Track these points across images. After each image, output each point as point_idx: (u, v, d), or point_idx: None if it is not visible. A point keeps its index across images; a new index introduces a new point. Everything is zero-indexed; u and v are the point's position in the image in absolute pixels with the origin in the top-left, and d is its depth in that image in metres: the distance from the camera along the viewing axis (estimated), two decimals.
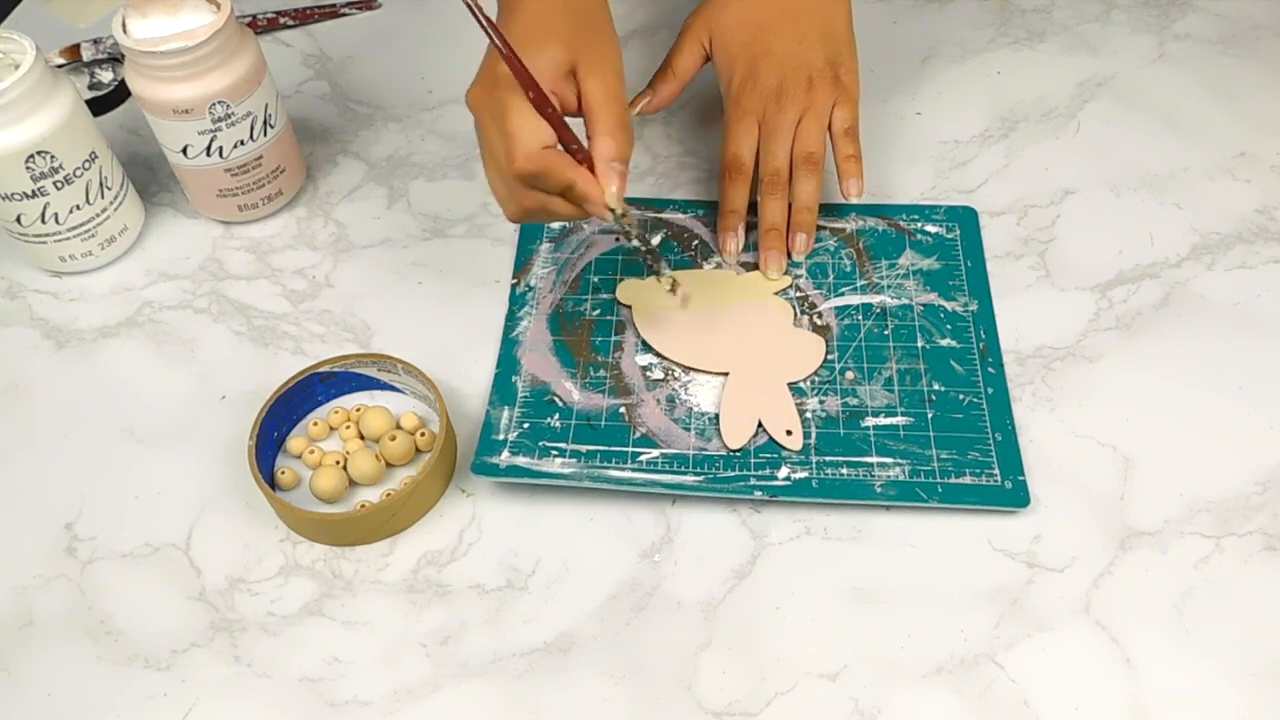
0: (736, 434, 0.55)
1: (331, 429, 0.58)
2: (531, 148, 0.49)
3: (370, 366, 0.58)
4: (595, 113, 0.51)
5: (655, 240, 0.65)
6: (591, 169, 0.51)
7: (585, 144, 0.52)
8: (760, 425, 0.56)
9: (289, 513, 0.53)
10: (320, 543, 0.54)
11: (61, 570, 0.54)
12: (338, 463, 0.56)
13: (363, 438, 0.57)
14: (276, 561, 0.54)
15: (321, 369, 0.57)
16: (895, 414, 0.56)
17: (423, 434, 0.56)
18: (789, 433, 0.55)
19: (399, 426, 0.57)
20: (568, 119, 0.52)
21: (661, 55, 0.66)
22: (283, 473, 0.56)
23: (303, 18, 0.82)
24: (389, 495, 0.54)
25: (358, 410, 0.58)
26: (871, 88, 0.70)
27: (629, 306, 0.61)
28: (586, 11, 0.53)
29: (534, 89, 0.49)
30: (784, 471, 0.54)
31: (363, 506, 0.53)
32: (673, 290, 0.57)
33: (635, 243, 0.55)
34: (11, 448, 0.59)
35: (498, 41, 0.49)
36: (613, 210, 0.51)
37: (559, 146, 0.51)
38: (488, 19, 0.49)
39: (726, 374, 0.58)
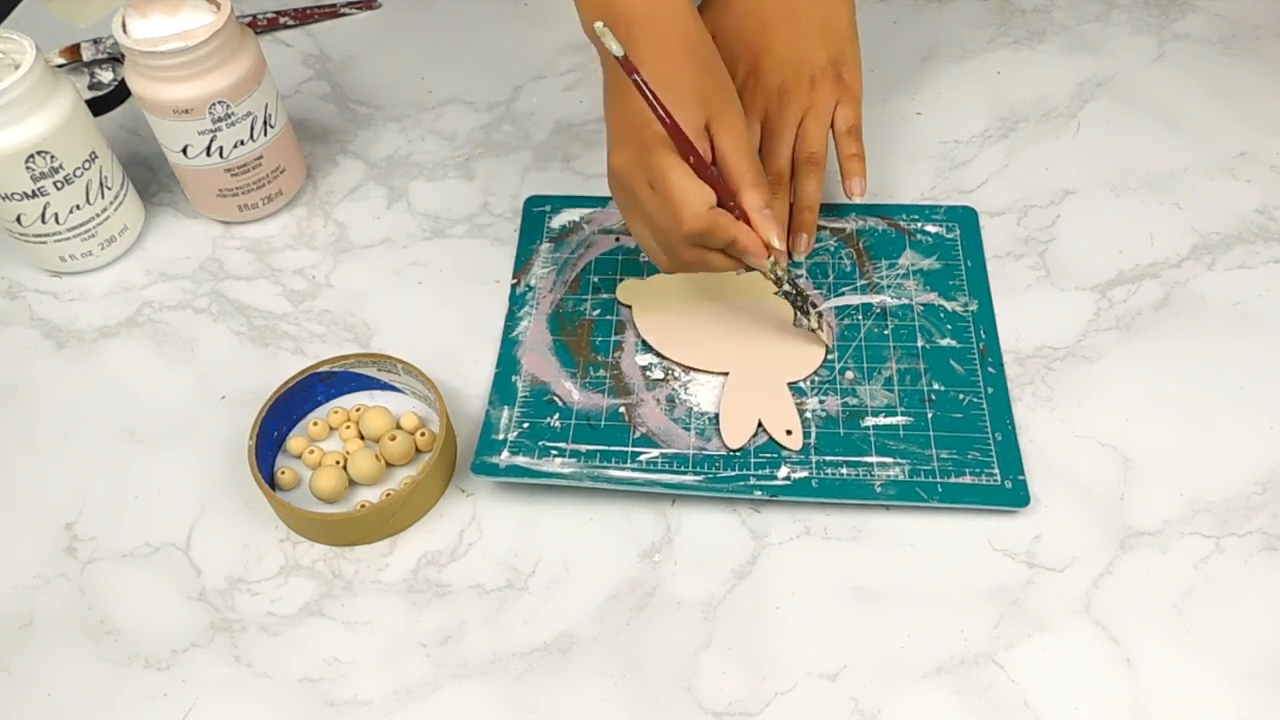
0: (736, 434, 0.55)
1: (331, 429, 0.58)
2: (699, 209, 0.50)
3: (370, 366, 0.58)
4: (734, 166, 0.52)
5: None
6: (746, 221, 0.53)
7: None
8: (760, 425, 0.56)
9: (289, 513, 0.53)
10: (320, 542, 0.54)
11: (61, 570, 0.54)
12: (338, 463, 0.56)
13: (362, 438, 0.57)
14: (276, 561, 0.54)
15: (321, 369, 0.57)
16: (895, 414, 0.56)
17: (423, 434, 0.56)
18: (789, 432, 0.55)
19: (399, 426, 0.57)
20: None
21: None
22: (283, 473, 0.56)
23: (303, 18, 0.82)
24: (389, 495, 0.54)
25: (358, 410, 0.58)
26: (871, 88, 0.70)
27: (629, 306, 0.61)
28: (710, 63, 0.54)
29: (694, 154, 0.51)
30: (784, 471, 0.54)
31: (363, 506, 0.53)
32: (818, 329, 0.58)
33: (787, 288, 0.56)
34: (11, 448, 0.59)
35: (662, 112, 0.50)
36: (772, 261, 0.53)
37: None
38: (651, 90, 0.50)
39: (726, 374, 0.58)
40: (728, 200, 0.52)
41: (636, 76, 0.49)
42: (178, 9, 0.60)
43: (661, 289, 0.62)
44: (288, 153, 0.67)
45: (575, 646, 0.50)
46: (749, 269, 0.54)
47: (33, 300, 0.66)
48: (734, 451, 0.55)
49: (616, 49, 0.49)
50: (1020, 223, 0.65)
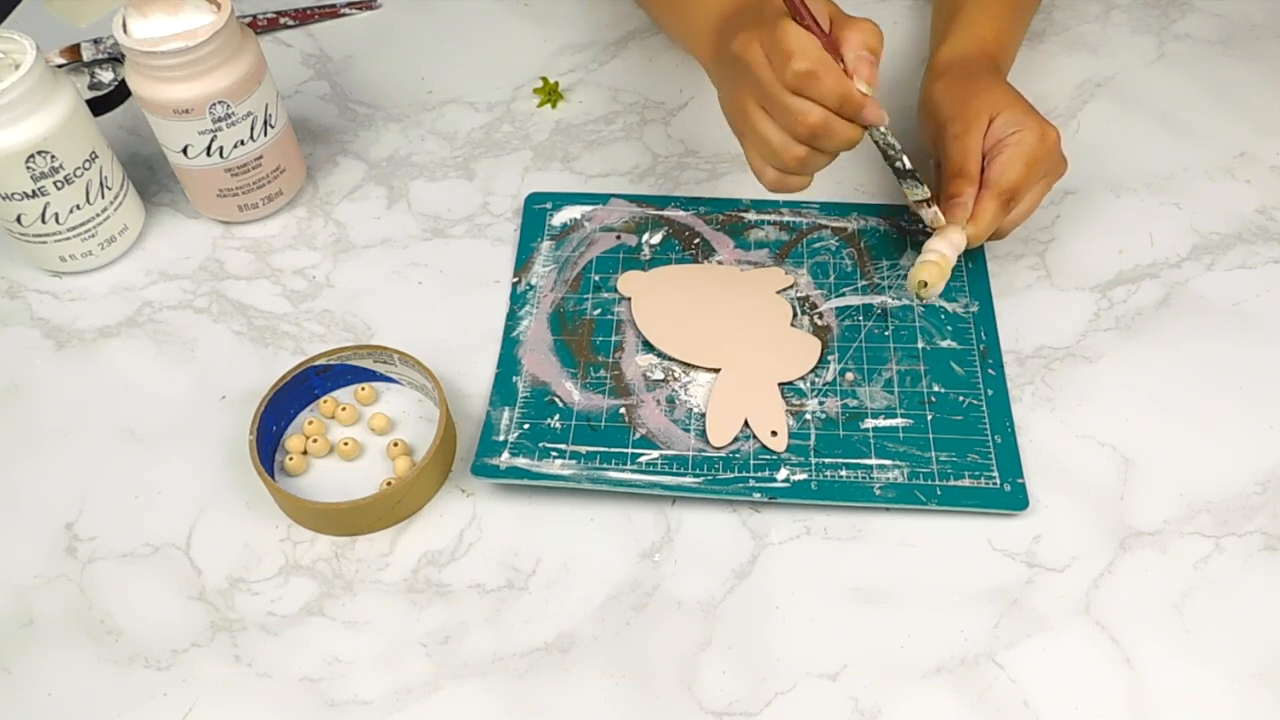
0: (722, 431, 0.55)
1: (329, 423, 0.58)
2: (807, 47, 0.50)
3: (366, 358, 0.58)
4: (834, 17, 0.52)
5: (657, 238, 0.65)
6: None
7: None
8: (746, 424, 0.56)
9: (292, 504, 0.53)
10: (323, 533, 0.54)
11: (61, 570, 0.54)
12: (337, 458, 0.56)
13: (358, 438, 0.57)
14: (277, 561, 0.54)
15: (318, 362, 0.57)
16: (895, 415, 0.56)
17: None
18: (774, 433, 0.55)
19: (396, 425, 0.57)
20: None
21: (659, 56, 0.66)
22: (283, 467, 0.56)
23: (303, 18, 0.82)
24: (390, 484, 0.54)
25: (356, 401, 0.58)
26: None
27: (629, 299, 0.61)
28: None
29: (810, 18, 0.51)
30: (783, 473, 0.54)
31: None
32: (927, 205, 0.57)
33: (894, 154, 0.56)
34: (11, 448, 0.59)
35: None
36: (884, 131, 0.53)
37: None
38: None
39: (718, 370, 0.58)
40: (836, 58, 0.52)
41: None
42: (178, 9, 0.60)
43: (662, 282, 0.62)
44: (288, 153, 0.67)
45: (575, 646, 0.50)
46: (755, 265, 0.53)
47: (33, 300, 0.66)
48: (732, 452, 0.55)
49: None
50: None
